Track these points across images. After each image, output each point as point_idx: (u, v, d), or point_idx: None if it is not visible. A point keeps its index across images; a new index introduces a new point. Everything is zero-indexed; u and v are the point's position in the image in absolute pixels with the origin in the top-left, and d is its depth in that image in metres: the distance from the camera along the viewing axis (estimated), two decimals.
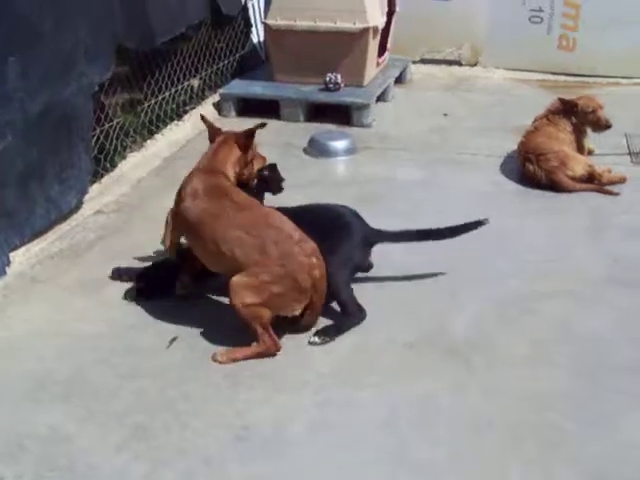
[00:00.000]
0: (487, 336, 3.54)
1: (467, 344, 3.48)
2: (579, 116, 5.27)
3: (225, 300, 3.61)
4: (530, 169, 5.07)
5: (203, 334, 3.59)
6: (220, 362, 3.37)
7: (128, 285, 3.94)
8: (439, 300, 3.83)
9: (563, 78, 7.47)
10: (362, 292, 3.83)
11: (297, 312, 3.46)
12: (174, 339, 3.55)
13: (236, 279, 3.34)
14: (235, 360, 3.37)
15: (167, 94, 6.15)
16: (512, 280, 3.99)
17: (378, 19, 6.52)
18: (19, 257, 4.21)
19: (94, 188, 5.01)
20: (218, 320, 3.68)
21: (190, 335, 3.59)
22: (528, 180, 5.11)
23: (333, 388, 3.22)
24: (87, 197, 4.85)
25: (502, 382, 3.24)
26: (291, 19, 6.43)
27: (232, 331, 3.54)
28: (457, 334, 3.56)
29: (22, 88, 4.09)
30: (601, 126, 5.28)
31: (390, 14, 6.94)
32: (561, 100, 5.34)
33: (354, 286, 3.75)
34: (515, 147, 5.43)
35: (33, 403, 3.15)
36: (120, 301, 3.86)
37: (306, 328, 3.55)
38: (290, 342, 3.51)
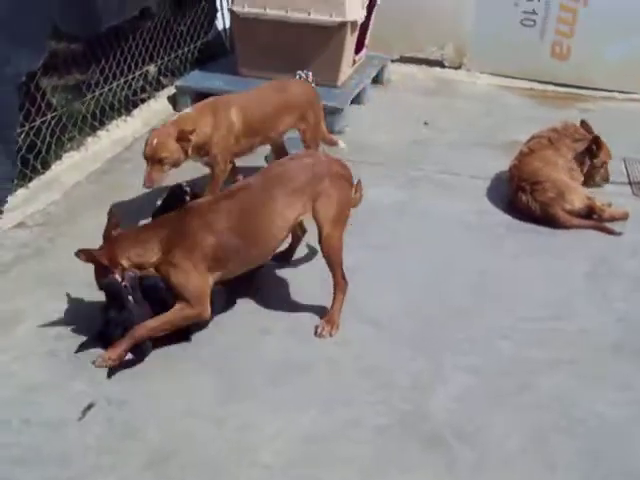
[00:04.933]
0: (476, 421, 2.89)
1: (452, 430, 2.84)
2: (593, 159, 4.72)
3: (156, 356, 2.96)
4: (523, 200, 4.43)
5: (127, 400, 2.92)
6: (331, 335, 3.34)
7: (45, 322, 3.29)
8: (416, 367, 3.18)
9: (552, 88, 6.82)
10: (322, 350, 3.23)
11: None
12: (89, 407, 2.87)
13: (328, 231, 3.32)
14: (336, 321, 3.38)
15: (114, 84, 5.40)
16: (504, 342, 3.36)
17: (358, 12, 5.82)
18: None
19: (19, 194, 4.29)
20: (148, 377, 3.04)
21: (111, 400, 2.91)
22: (519, 211, 4.48)
23: None
24: (8, 206, 4.12)
25: None
26: (261, 7, 5.71)
27: (168, 395, 2.91)
28: (439, 416, 2.91)
29: None
30: (602, 179, 4.81)
31: (371, 7, 6.25)
32: (585, 127, 4.79)
33: (314, 340, 3.26)
34: (503, 168, 4.82)
35: None
36: (31, 347, 3.17)
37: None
38: (232, 422, 2.85)
